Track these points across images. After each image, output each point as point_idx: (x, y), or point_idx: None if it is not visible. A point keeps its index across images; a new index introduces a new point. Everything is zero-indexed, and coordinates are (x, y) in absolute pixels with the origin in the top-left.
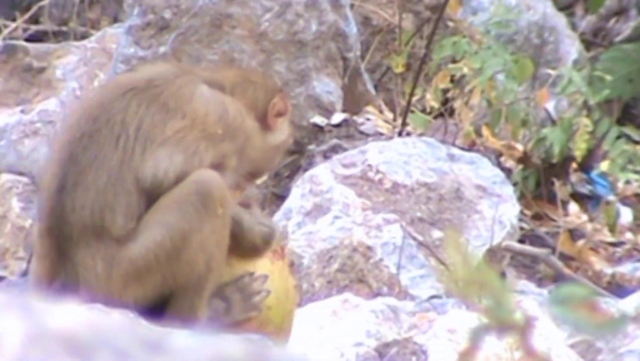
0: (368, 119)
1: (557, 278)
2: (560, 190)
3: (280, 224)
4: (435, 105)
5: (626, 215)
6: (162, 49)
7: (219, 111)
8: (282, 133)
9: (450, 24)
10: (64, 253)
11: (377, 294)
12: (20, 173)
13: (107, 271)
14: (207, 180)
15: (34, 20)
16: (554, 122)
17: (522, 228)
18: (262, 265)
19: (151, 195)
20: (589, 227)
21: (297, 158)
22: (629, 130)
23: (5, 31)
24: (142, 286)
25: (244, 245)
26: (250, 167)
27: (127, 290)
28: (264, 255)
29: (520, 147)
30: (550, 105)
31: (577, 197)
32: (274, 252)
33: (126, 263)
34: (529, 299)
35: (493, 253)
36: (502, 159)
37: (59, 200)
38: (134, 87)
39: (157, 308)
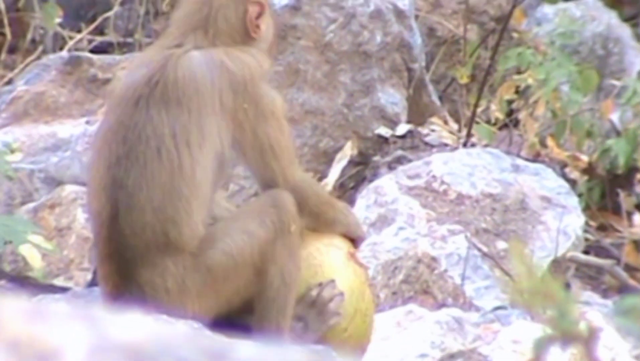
0: (433, 130)
1: (622, 289)
2: (625, 201)
3: None
4: (500, 116)
5: None
6: None
7: (227, 88)
8: (269, 30)
9: (515, 35)
10: (127, 275)
11: (441, 305)
12: (85, 184)
13: (179, 285)
14: (282, 196)
15: (99, 31)
16: (618, 133)
17: (586, 240)
18: (335, 257)
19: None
20: None
21: (362, 169)
22: None
23: (71, 42)
24: (216, 297)
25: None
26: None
27: (200, 300)
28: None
29: (585, 158)
30: (615, 116)
31: None
32: (352, 254)
33: (204, 271)
34: (593, 310)
35: (557, 265)
36: (567, 170)
37: (114, 227)
38: (139, 95)
39: (231, 326)
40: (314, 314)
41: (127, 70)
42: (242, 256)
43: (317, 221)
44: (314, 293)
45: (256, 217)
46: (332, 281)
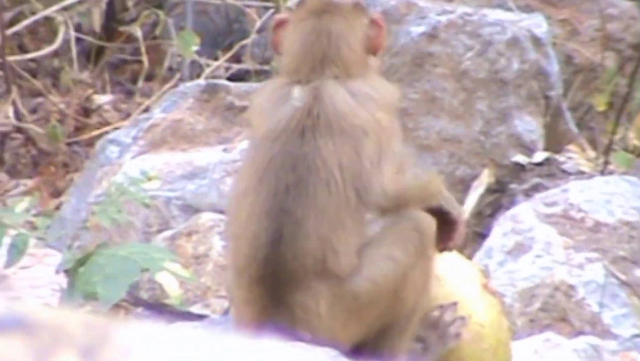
0: (570, 158)
1: None
2: None
3: (481, 263)
4: (638, 143)
5: None
6: None
7: (372, 108)
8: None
9: None
10: (279, 298)
11: (579, 333)
12: (222, 212)
13: (330, 310)
14: (424, 219)
15: (236, 59)
16: None
17: None
18: (471, 291)
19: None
20: None
21: (499, 197)
22: None
23: (208, 70)
24: (359, 323)
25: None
26: None
27: (345, 328)
28: (457, 236)
29: None
30: None
31: None
32: (486, 285)
33: (350, 298)
34: None
35: None
36: None
37: (276, 251)
38: (304, 126)
39: (354, 352)
40: (435, 336)
41: (262, 100)
42: (386, 283)
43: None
44: (435, 314)
45: (399, 242)
46: (454, 303)
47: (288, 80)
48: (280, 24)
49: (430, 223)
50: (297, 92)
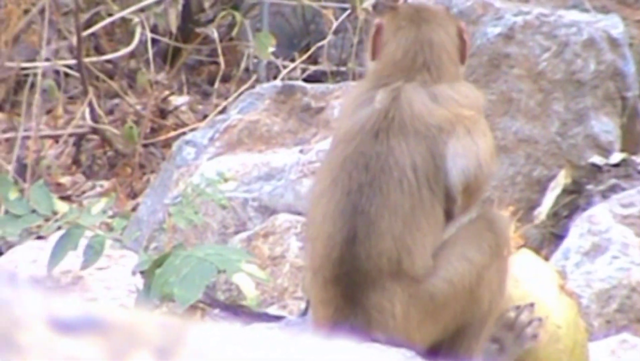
0: None
1: None
2: None
3: (558, 264)
4: None
5: None
6: None
7: (452, 107)
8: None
9: None
10: (354, 298)
11: None
12: (298, 213)
13: (404, 311)
14: (499, 219)
15: (313, 60)
16: None
17: None
18: (549, 293)
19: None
20: None
21: (576, 198)
22: None
23: (284, 71)
24: (435, 324)
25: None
26: None
27: (420, 329)
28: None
29: None
30: None
31: None
32: (562, 286)
33: (426, 299)
34: None
35: None
36: None
37: (350, 250)
38: (378, 128)
39: (431, 352)
40: (511, 337)
41: (346, 104)
42: (462, 283)
43: None
44: (512, 315)
45: (474, 242)
46: (531, 304)
47: (375, 84)
48: (379, 30)
49: (505, 222)
50: (379, 95)
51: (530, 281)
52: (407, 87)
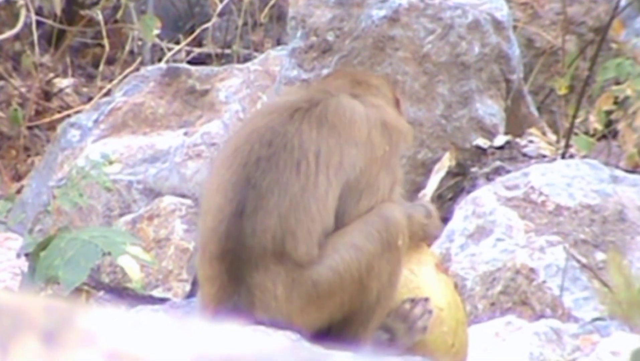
0: (531, 141)
1: None
2: None
3: (443, 246)
4: (599, 127)
5: None
6: (324, 71)
7: (379, 126)
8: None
9: (614, 45)
10: (238, 276)
11: (540, 316)
12: (183, 196)
13: (287, 294)
14: (391, 209)
15: (198, 43)
16: None
17: None
18: (428, 275)
19: (333, 228)
20: None
21: (460, 180)
22: None
23: (169, 54)
24: (319, 310)
25: (412, 232)
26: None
27: (303, 313)
28: (429, 239)
29: None
30: None
31: None
32: (438, 265)
33: (309, 286)
34: None
35: None
36: None
37: (237, 224)
38: (298, 108)
39: (317, 336)
40: (403, 328)
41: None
42: (349, 272)
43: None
44: (407, 306)
45: (363, 230)
46: (426, 299)
47: (320, 87)
48: None
49: (398, 211)
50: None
51: (409, 266)
52: (342, 94)
